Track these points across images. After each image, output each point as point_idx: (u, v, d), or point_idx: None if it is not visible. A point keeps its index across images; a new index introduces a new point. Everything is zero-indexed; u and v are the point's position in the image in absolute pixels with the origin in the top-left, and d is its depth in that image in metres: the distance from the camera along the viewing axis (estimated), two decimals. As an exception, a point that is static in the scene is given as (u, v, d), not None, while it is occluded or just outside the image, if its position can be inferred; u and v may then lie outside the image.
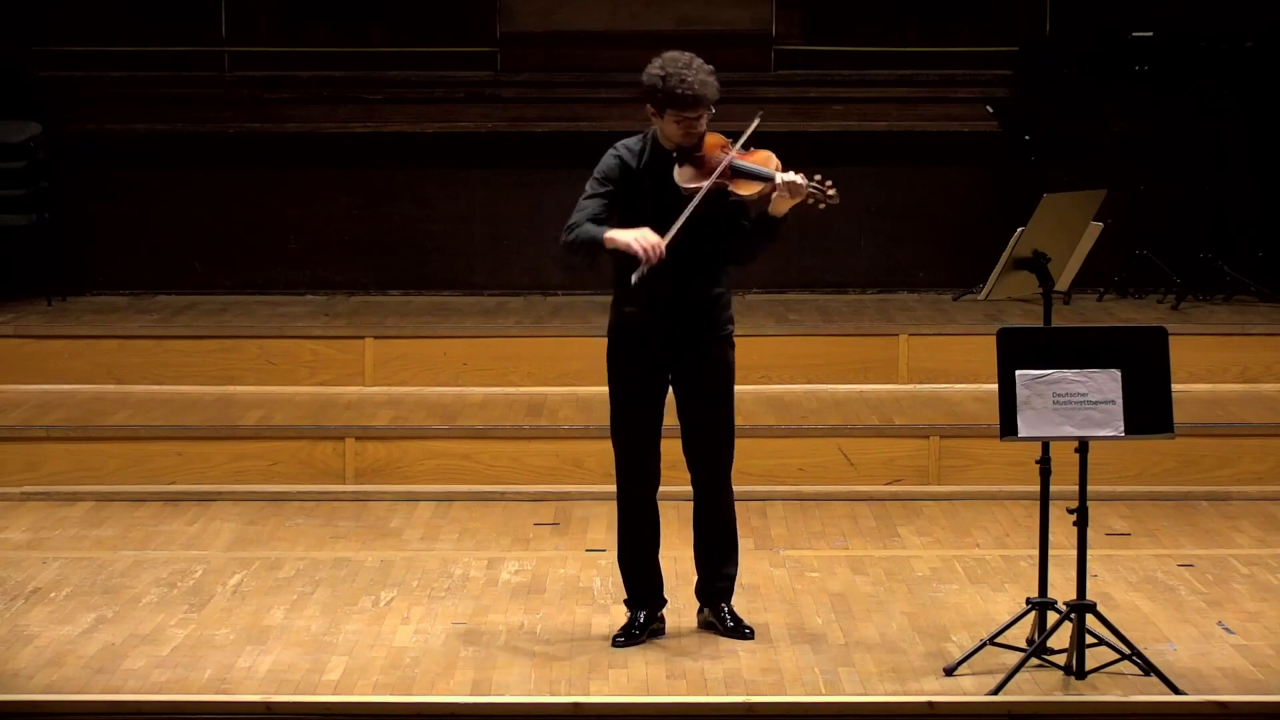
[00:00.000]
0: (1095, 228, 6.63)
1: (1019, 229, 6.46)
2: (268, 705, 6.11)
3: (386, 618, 7.15)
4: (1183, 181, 11.21)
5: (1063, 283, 6.67)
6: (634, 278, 6.49)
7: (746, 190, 6.59)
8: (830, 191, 6.54)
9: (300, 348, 10.00)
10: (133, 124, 11.40)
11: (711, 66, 6.64)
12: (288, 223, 11.59)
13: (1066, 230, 6.55)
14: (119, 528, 8.47)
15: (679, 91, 6.54)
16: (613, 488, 8.49)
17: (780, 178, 6.54)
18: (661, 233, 6.50)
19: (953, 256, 11.44)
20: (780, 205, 6.58)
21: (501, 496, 8.92)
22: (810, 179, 6.56)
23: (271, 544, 8.23)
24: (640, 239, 6.49)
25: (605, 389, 9.75)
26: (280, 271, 11.57)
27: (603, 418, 9.20)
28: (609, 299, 11.29)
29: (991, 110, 11.08)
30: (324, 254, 11.58)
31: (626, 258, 6.58)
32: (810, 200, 6.56)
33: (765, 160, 6.63)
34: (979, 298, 6.82)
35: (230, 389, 9.85)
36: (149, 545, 8.19)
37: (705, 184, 6.56)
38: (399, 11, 11.69)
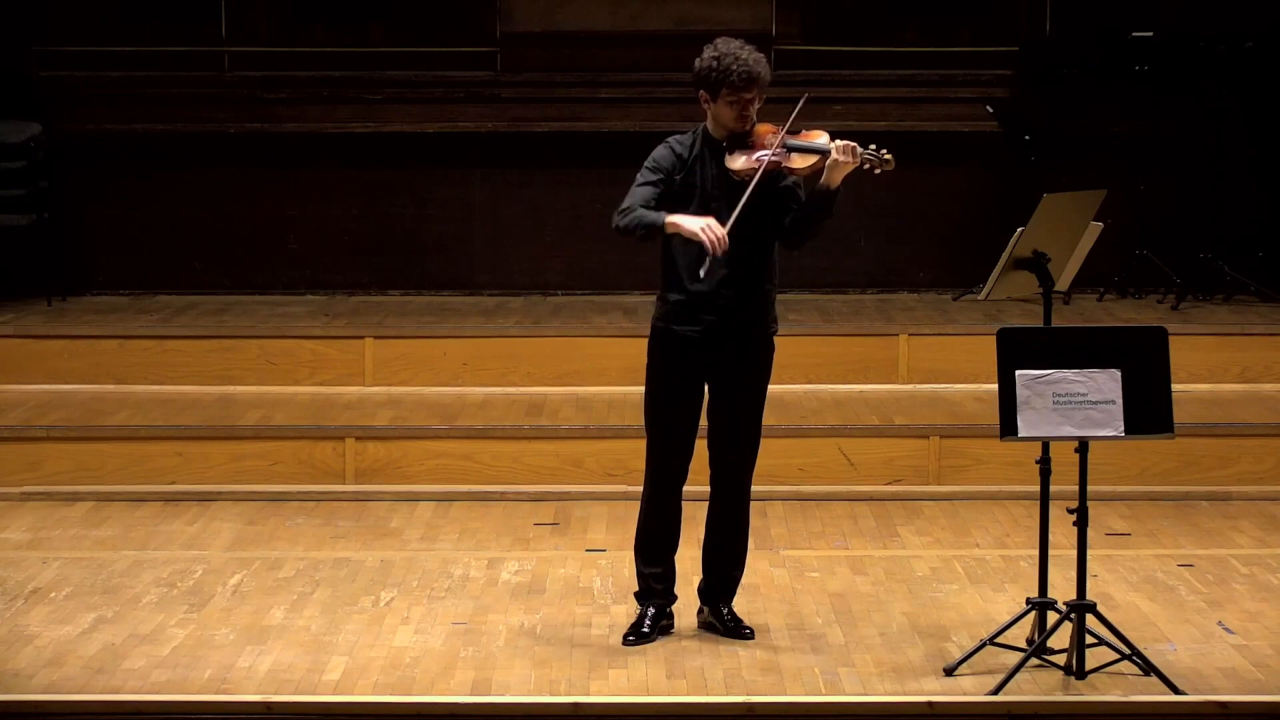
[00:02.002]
0: (1095, 228, 6.63)
1: (1019, 229, 6.46)
2: (268, 705, 6.11)
3: (386, 618, 7.15)
4: (1183, 181, 11.21)
5: (1063, 283, 6.67)
6: (703, 272, 6.50)
7: (802, 164, 6.59)
8: (886, 155, 6.53)
9: (300, 348, 10.00)
10: (132, 124, 11.39)
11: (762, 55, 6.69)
12: (288, 223, 11.58)
13: (1066, 230, 6.55)
14: (119, 528, 8.47)
15: (734, 68, 6.60)
16: (613, 487, 8.50)
17: (835, 144, 6.54)
18: (720, 220, 6.51)
19: (953, 256, 11.44)
20: (835, 175, 6.55)
21: (501, 496, 8.92)
22: (865, 146, 6.56)
23: (271, 544, 8.23)
24: (707, 228, 6.47)
25: (605, 389, 9.81)
26: (280, 271, 11.57)
27: (603, 418, 9.26)
28: (608, 299, 11.31)
29: (991, 110, 11.08)
30: (324, 254, 11.58)
31: (680, 248, 6.60)
32: (866, 165, 6.54)
33: (816, 136, 6.66)
34: (979, 298, 6.82)
35: (230, 389, 9.85)
36: (149, 545, 8.19)
37: (761, 161, 6.57)
38: (399, 11, 11.69)
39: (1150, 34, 10.96)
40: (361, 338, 10.03)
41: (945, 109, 11.45)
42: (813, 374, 9.90)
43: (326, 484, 9.02)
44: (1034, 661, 6.45)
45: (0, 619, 7.11)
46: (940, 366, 9.93)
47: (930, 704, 6.11)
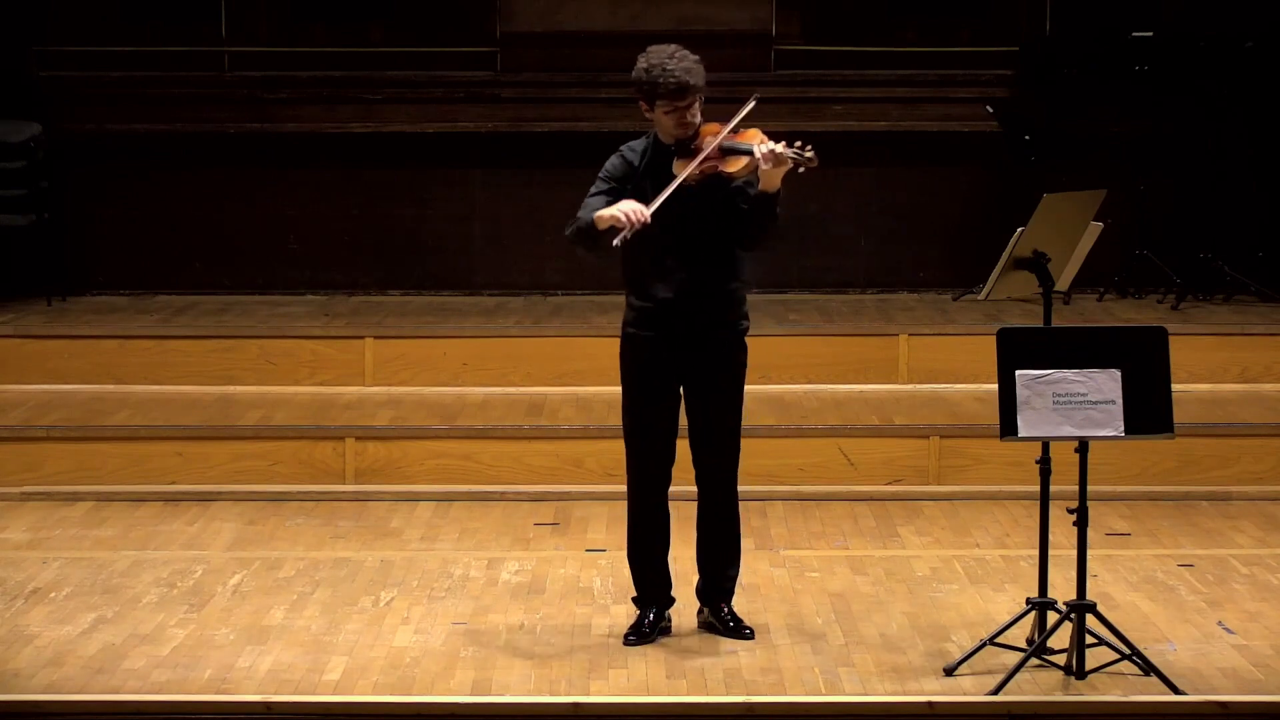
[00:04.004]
0: (1095, 228, 6.63)
1: (1019, 229, 6.46)
2: (268, 705, 6.11)
3: (386, 618, 7.15)
4: (1183, 181, 11.21)
5: (1063, 283, 6.67)
6: (615, 241, 6.50)
7: (734, 167, 6.60)
8: (808, 154, 6.49)
9: (300, 348, 10.00)
10: (133, 124, 11.39)
11: (698, 56, 6.66)
12: (288, 223, 11.59)
13: (1066, 230, 6.55)
14: (119, 528, 8.47)
15: (662, 81, 6.59)
16: (613, 487, 8.49)
17: (760, 148, 6.52)
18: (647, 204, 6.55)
19: (953, 256, 11.44)
20: (769, 179, 6.55)
21: (501, 496, 8.92)
22: (790, 145, 6.53)
23: (271, 544, 8.23)
24: (622, 206, 6.52)
25: (605, 389, 9.80)
26: (280, 271, 11.57)
27: (603, 418, 9.25)
28: (608, 299, 11.32)
29: (991, 110, 11.08)
30: (324, 254, 11.58)
31: (637, 253, 6.59)
32: (791, 165, 6.52)
33: (752, 137, 6.64)
34: (979, 298, 6.82)
35: (230, 389, 9.85)
36: (149, 545, 8.19)
37: (700, 166, 6.58)
38: (399, 11, 11.70)
39: (1150, 34, 10.96)
40: (361, 338, 10.03)
41: (945, 109, 11.46)
42: (813, 374, 9.90)
43: (326, 484, 9.02)
44: (1034, 661, 6.45)
45: (0, 619, 7.11)
46: (940, 366, 9.93)
47: (930, 704, 6.11)
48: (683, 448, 6.89)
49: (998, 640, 6.55)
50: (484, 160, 11.56)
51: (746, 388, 9.41)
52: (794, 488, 8.92)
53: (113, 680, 6.44)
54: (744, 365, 6.84)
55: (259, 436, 9.13)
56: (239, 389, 9.86)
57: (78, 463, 9.05)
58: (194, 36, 11.61)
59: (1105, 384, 6.25)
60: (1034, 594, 6.65)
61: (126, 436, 9.12)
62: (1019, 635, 6.58)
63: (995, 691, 6.27)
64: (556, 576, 7.69)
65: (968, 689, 6.34)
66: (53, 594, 7.44)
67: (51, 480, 9.00)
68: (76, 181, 11.39)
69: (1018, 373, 6.24)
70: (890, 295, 11.46)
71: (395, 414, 9.40)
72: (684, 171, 6.61)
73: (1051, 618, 6.52)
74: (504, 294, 11.41)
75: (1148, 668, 6.36)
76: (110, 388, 9.88)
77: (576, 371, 9.84)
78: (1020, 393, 6.23)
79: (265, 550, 8.11)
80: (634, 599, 6.97)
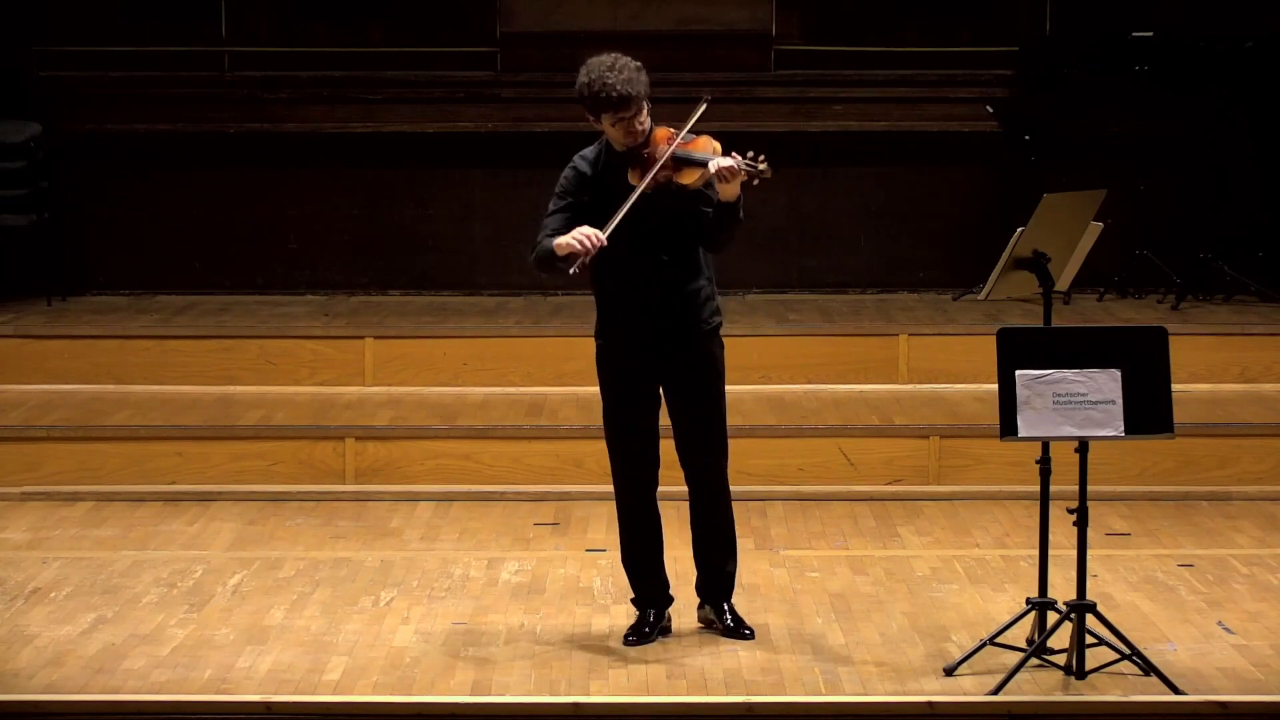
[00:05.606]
0: (1095, 228, 6.64)
1: (1019, 229, 6.46)
2: (268, 705, 6.11)
3: (386, 618, 7.15)
4: (1183, 181, 11.21)
5: (1063, 283, 6.68)
6: (573, 269, 6.47)
7: (689, 178, 6.53)
8: (761, 166, 6.42)
9: (300, 348, 10.00)
10: (133, 124, 11.40)
11: (640, 63, 6.61)
12: (288, 223, 11.59)
13: (1066, 230, 6.55)
14: (119, 528, 8.47)
15: (602, 95, 6.53)
16: (612, 487, 8.49)
17: (714, 163, 6.47)
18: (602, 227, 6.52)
19: (953, 256, 11.44)
20: (726, 190, 6.51)
21: (501, 496, 8.92)
22: (744, 157, 6.47)
23: (271, 544, 8.23)
24: (577, 234, 6.49)
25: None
26: (280, 271, 11.57)
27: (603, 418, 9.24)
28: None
29: (991, 110, 11.08)
30: (324, 254, 11.58)
31: (601, 261, 6.58)
32: (745, 178, 6.47)
33: (704, 146, 6.58)
34: (979, 298, 6.82)
35: (230, 389, 9.85)
36: (149, 545, 8.19)
37: (654, 177, 6.54)
38: (399, 11, 11.70)
39: (1150, 34, 10.96)
40: (361, 338, 10.03)
41: (945, 109, 11.46)
42: (813, 374, 9.90)
43: (326, 484, 9.02)
44: (1034, 661, 6.45)
45: (0, 619, 7.11)
46: (940, 366, 9.93)
47: (930, 704, 6.11)
48: (671, 449, 6.89)
49: (998, 640, 6.55)
50: (484, 160, 11.56)
51: (746, 388, 9.44)
52: (794, 488, 8.92)
53: (113, 680, 6.44)
54: (721, 361, 6.83)
55: (259, 436, 9.13)
56: (239, 389, 9.86)
57: (78, 463, 9.06)
58: (194, 36, 11.61)
59: (1105, 384, 6.25)
60: (1034, 594, 6.65)
61: (126, 436, 9.12)
62: (1019, 635, 6.58)
63: (995, 691, 6.27)
64: (556, 576, 7.70)
65: (968, 689, 6.34)
66: (53, 594, 7.44)
67: (51, 480, 9.00)
68: (76, 181, 11.39)
69: (1018, 373, 6.24)
70: (890, 295, 11.46)
71: (395, 414, 9.40)
72: (640, 184, 6.52)
73: (1051, 618, 6.52)
74: (504, 294, 11.41)
75: (1148, 668, 6.37)
76: (110, 388, 9.88)
77: (576, 371, 9.82)
78: (1020, 393, 6.23)
79: (265, 550, 8.11)
80: (633, 600, 6.98)
